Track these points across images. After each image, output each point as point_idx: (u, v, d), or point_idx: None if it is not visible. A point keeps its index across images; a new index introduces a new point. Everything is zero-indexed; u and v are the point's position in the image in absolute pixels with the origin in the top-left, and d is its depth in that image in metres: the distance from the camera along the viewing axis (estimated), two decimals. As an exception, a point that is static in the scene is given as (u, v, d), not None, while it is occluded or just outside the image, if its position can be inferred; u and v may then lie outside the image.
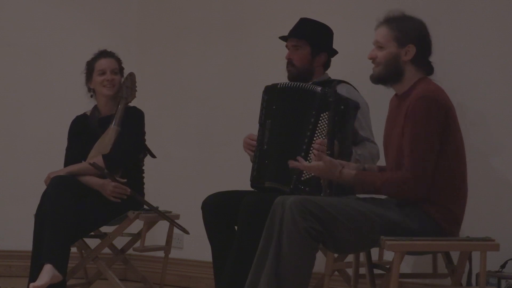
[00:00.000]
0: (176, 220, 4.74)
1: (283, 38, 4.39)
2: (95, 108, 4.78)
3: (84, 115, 4.82)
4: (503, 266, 4.06)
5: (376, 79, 3.70)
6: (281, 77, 4.34)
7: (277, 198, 3.58)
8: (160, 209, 4.67)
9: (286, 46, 4.35)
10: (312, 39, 4.30)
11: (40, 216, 4.44)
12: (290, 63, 4.32)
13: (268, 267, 3.48)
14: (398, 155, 3.60)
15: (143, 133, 4.74)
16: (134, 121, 4.69)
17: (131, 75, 4.75)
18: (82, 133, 4.75)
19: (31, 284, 4.25)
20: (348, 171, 3.60)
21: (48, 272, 4.26)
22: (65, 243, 4.36)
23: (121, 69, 4.74)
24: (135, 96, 4.74)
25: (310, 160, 4.02)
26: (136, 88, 4.75)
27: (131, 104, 4.75)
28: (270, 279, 3.46)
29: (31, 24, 5.70)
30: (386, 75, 3.66)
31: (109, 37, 5.64)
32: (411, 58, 3.62)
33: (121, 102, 4.70)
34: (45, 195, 4.47)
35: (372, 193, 3.63)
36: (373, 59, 3.71)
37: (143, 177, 4.80)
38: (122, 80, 4.73)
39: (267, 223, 3.57)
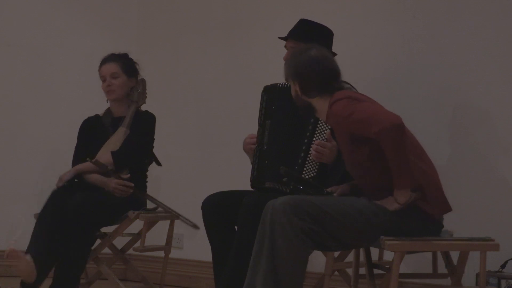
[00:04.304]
0: (175, 220, 4.76)
1: (282, 38, 4.38)
2: (108, 110, 4.82)
3: (96, 116, 4.84)
4: (503, 266, 4.06)
5: (300, 114, 3.91)
6: (281, 77, 4.33)
7: (267, 202, 3.58)
8: (159, 209, 4.69)
9: (285, 46, 4.34)
10: (310, 41, 4.29)
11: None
12: None
13: (264, 266, 3.48)
14: (354, 166, 3.67)
15: (152, 138, 4.76)
16: (144, 124, 4.72)
17: (143, 81, 4.81)
18: (93, 132, 4.77)
19: (11, 247, 4.30)
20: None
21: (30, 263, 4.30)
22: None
23: (126, 70, 4.75)
24: (144, 102, 4.78)
25: (309, 160, 4.02)
26: (147, 95, 4.78)
27: (143, 108, 4.78)
28: (266, 277, 3.46)
29: (30, 24, 5.70)
30: (301, 110, 3.82)
31: (109, 37, 5.65)
32: (302, 93, 3.74)
33: (131, 105, 4.73)
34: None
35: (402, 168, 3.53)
36: None
37: (146, 181, 4.81)
38: (136, 79, 4.76)
39: (259, 227, 3.57)
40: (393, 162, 3.45)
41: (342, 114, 3.57)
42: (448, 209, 3.67)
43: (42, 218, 4.46)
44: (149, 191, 4.81)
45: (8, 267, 5.60)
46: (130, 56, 4.81)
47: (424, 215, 3.57)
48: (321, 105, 3.72)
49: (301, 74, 3.73)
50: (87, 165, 4.61)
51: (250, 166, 4.29)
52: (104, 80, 4.73)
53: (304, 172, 4.04)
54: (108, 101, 4.81)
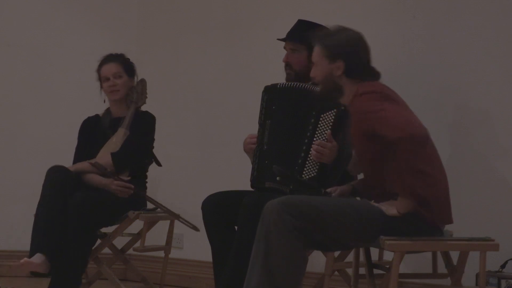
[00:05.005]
0: (175, 220, 4.76)
1: (280, 39, 4.37)
2: (108, 110, 4.81)
3: (96, 116, 4.83)
4: (503, 266, 4.06)
5: (321, 97, 3.79)
6: (281, 77, 4.34)
7: (266, 204, 3.58)
8: (159, 209, 4.69)
9: (284, 48, 4.33)
10: (308, 43, 4.28)
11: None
12: (288, 66, 4.31)
13: (260, 265, 3.48)
14: (364, 160, 3.63)
15: (152, 138, 4.75)
16: (144, 125, 4.72)
17: (142, 81, 4.80)
18: (92, 132, 4.77)
19: (24, 259, 4.32)
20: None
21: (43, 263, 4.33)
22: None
23: (127, 70, 4.76)
24: (145, 102, 4.77)
25: (309, 160, 4.02)
26: (147, 95, 4.77)
27: (143, 109, 4.78)
28: (261, 276, 3.46)
29: (30, 24, 5.70)
30: (327, 92, 3.72)
31: (109, 37, 5.65)
32: (343, 73, 3.65)
33: (131, 106, 4.73)
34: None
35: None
36: (313, 78, 3.77)
37: (146, 182, 4.81)
38: (134, 80, 4.76)
39: (258, 227, 3.57)
40: (402, 171, 3.41)
41: (368, 109, 3.50)
42: (450, 221, 3.65)
43: (42, 207, 4.47)
44: (149, 191, 4.81)
45: (9, 267, 5.60)
46: (127, 56, 4.81)
47: (424, 222, 3.55)
48: (351, 89, 3.64)
49: (349, 52, 3.62)
50: (86, 165, 4.61)
51: (250, 166, 4.29)
52: (106, 80, 4.72)
53: (304, 172, 4.04)
54: (106, 101, 4.79)
